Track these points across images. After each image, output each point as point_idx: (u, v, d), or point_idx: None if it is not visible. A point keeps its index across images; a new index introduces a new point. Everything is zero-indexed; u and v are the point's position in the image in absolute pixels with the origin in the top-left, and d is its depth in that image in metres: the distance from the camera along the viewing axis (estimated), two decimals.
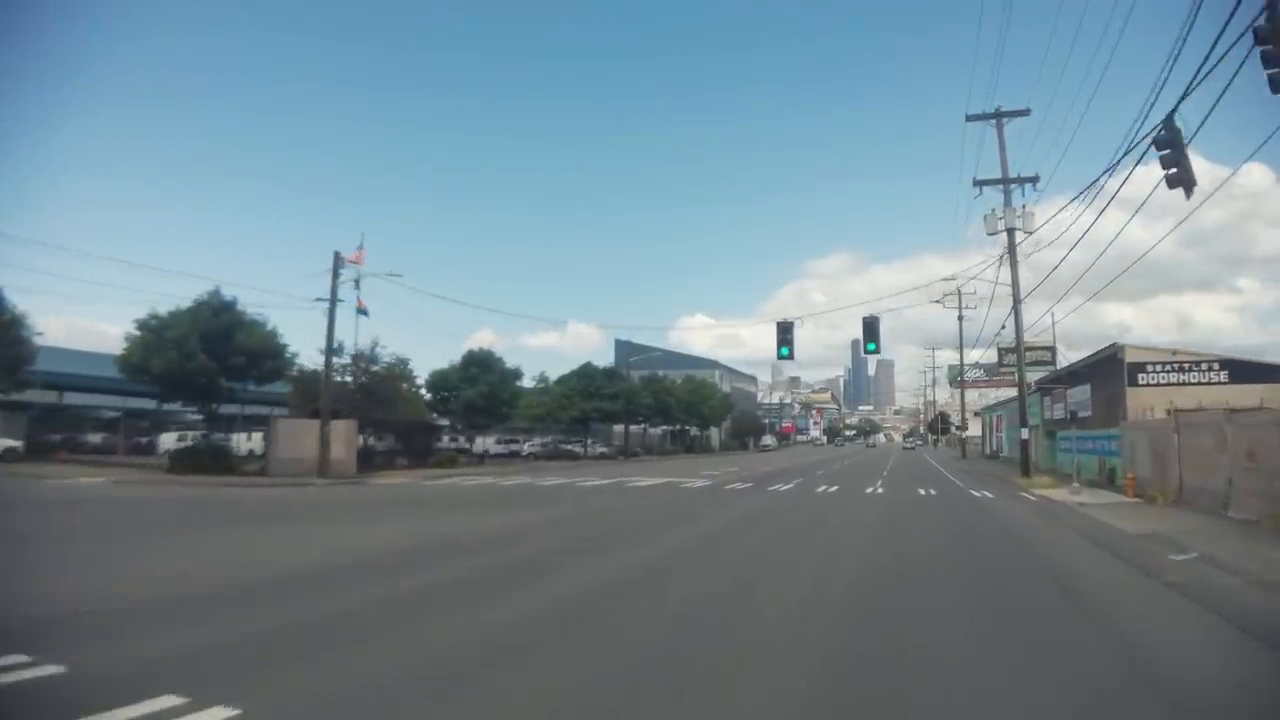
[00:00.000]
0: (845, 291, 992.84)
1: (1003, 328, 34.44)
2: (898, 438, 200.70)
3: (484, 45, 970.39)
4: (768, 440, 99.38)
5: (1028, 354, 39.27)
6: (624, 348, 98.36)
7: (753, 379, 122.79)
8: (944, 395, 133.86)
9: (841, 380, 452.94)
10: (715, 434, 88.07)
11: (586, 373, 54.70)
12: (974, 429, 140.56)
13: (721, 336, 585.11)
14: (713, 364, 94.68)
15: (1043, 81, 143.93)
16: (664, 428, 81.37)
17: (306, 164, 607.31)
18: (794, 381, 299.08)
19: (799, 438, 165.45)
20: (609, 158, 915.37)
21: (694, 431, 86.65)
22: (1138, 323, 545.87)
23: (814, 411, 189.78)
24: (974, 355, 63.18)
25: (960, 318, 59.97)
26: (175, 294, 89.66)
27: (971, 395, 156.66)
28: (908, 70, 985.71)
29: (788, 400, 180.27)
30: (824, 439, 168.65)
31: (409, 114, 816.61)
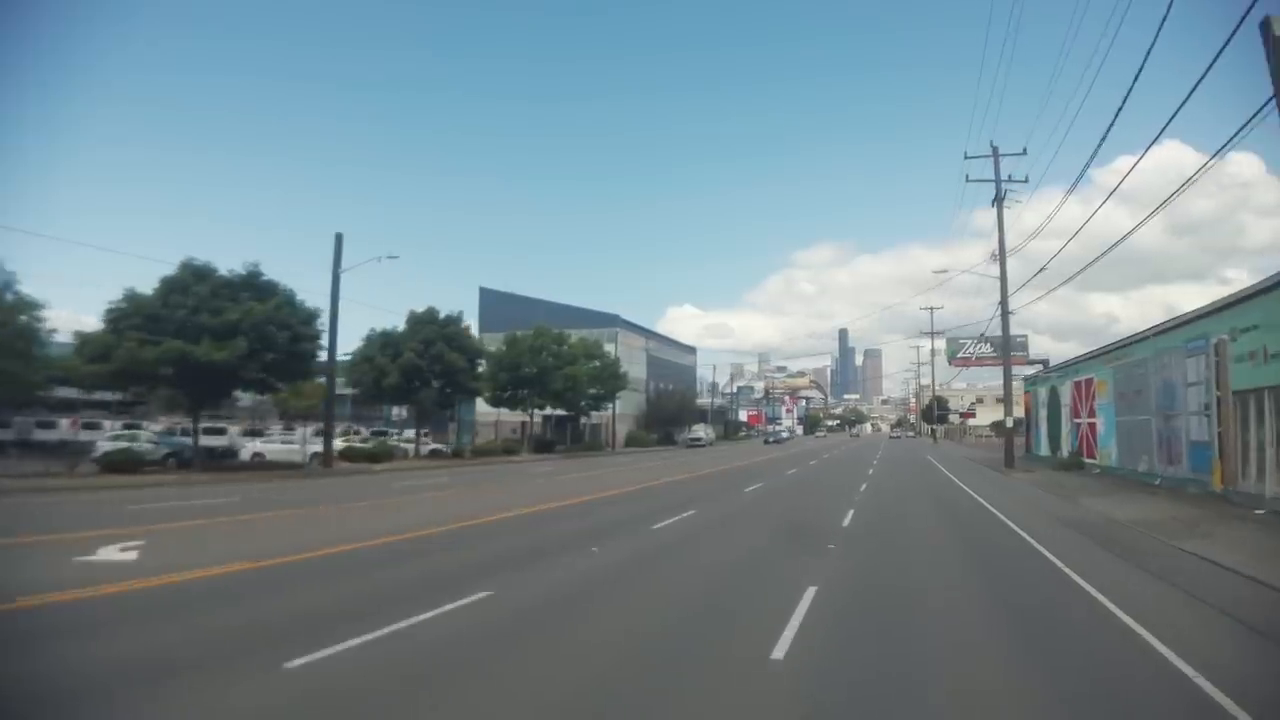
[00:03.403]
0: (832, 282, 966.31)
1: None
2: (885, 428, 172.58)
3: (466, 42, 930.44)
4: (700, 433, 69.81)
5: None
6: (490, 297, 68.57)
7: (691, 350, 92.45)
8: (939, 381, 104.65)
9: (829, 370, 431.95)
10: (611, 419, 58.17)
11: (177, 284, 24.65)
12: (984, 416, 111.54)
13: (709, 326, 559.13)
14: (611, 319, 64.72)
15: (1042, 76, 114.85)
16: (545, 412, 51.71)
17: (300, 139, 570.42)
18: (779, 370, 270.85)
19: (774, 429, 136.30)
20: (596, 151, 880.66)
21: (587, 417, 56.97)
22: (1125, 313, 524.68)
23: (787, 398, 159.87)
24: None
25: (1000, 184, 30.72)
26: None
27: (960, 385, 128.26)
28: (900, 61, 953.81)
29: (752, 383, 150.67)
30: (796, 431, 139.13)
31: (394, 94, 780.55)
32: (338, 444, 36.51)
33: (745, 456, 44.38)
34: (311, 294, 64.46)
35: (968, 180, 33.18)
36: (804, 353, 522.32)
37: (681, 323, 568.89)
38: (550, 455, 45.44)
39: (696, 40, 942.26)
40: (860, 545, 10.97)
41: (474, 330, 62.01)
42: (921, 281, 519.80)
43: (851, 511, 14.95)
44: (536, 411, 49.91)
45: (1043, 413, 36.98)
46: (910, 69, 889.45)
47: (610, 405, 54.37)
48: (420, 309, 36.62)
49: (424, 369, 34.43)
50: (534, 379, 44.39)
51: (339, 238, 30.55)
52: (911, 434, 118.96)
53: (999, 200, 32.04)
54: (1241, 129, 12.08)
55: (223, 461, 32.32)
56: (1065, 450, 31.30)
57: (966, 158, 32.77)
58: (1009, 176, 32.21)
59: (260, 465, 31.82)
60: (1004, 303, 30.73)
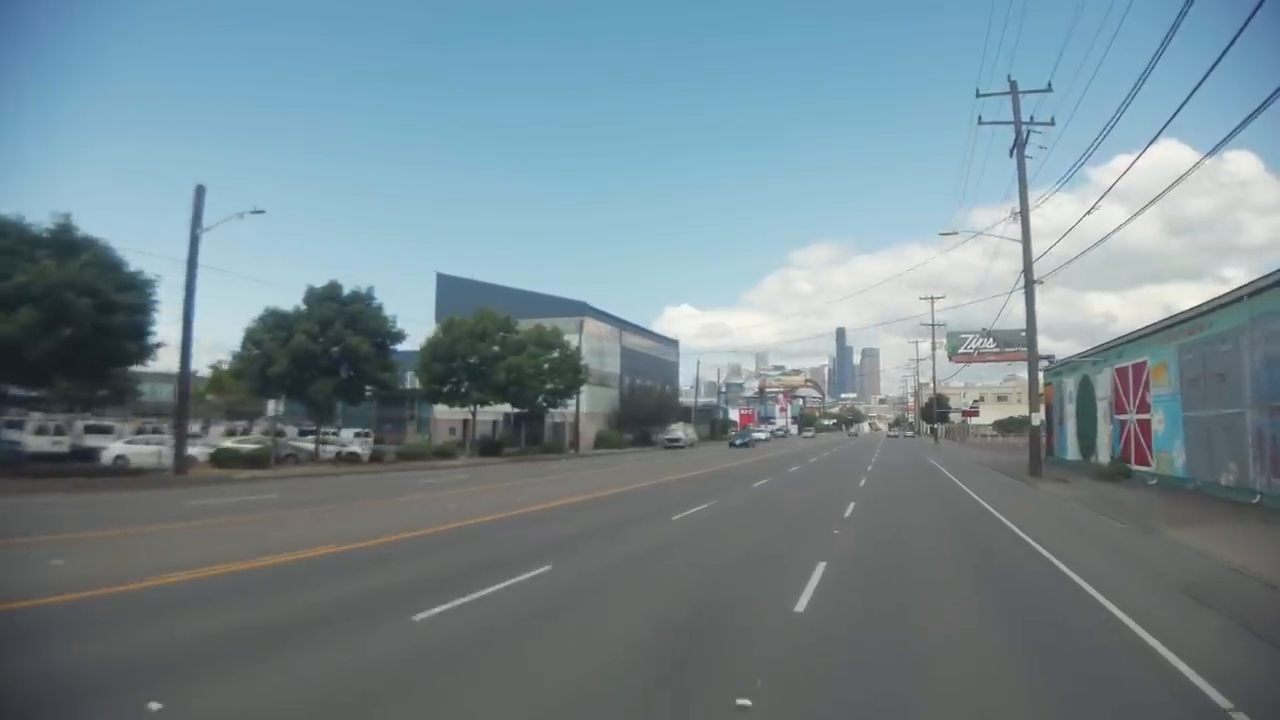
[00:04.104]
0: (830, 281, 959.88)
1: None
2: (883, 427, 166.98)
3: (463, 32, 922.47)
4: (679, 434, 63.55)
5: None
6: (448, 284, 62.28)
7: (674, 343, 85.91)
8: (939, 376, 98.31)
9: (826, 370, 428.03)
10: (575, 417, 51.94)
11: None
12: (986, 414, 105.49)
13: (708, 326, 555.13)
14: (580, 306, 58.31)
15: (1048, 60, 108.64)
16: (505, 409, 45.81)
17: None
18: (776, 369, 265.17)
19: (755, 428, 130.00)
20: (594, 142, 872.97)
21: (549, 414, 50.76)
22: (1123, 313, 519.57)
23: (781, 396, 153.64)
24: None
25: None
26: None
27: (958, 384, 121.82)
28: (898, 60, 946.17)
29: (744, 381, 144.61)
30: (790, 430, 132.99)
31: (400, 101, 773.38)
32: (217, 445, 30.57)
33: (720, 461, 38.29)
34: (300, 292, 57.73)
35: (980, 123, 27.17)
36: (801, 352, 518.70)
37: (679, 322, 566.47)
38: (494, 459, 39.32)
39: (696, 29, 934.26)
40: (822, 680, 4.89)
41: (430, 319, 56.11)
42: (920, 281, 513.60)
43: (821, 567, 8.86)
44: (492, 409, 43.82)
45: (1070, 408, 30.89)
46: (909, 58, 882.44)
47: (573, 401, 48.15)
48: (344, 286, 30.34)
49: (319, 355, 28.21)
50: (475, 370, 38.21)
51: (199, 190, 24.37)
52: (910, 433, 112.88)
53: (1019, 146, 25.97)
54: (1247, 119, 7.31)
55: (68, 465, 26.30)
56: (1104, 454, 25.20)
57: (979, 95, 26.64)
58: (1031, 117, 26.18)
59: (114, 470, 25.89)
60: (1028, 270, 24.61)
